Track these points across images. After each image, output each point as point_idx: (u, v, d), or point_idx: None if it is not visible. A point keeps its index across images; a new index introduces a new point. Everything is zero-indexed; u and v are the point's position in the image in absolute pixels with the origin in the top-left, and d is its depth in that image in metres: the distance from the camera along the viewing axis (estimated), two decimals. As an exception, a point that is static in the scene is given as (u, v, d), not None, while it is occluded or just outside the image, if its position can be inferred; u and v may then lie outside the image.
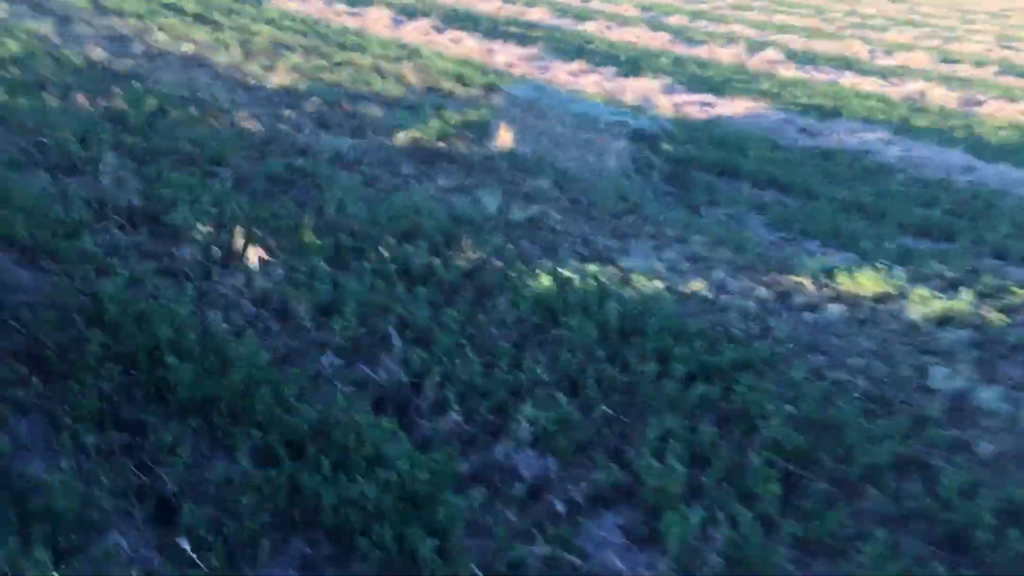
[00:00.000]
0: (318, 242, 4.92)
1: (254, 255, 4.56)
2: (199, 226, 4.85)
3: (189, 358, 3.46)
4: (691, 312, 4.79)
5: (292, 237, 4.99)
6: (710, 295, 5.05)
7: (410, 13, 15.81)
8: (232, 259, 4.65)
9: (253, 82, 9.43)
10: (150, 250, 4.74)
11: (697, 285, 5.10)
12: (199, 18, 12.89)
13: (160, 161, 6.07)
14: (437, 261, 4.88)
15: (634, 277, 5.07)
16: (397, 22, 14.63)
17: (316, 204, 5.68)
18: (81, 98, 7.29)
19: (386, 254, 4.88)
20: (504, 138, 7.82)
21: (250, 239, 4.74)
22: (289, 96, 8.98)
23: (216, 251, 4.63)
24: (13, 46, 8.94)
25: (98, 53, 9.40)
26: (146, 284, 4.18)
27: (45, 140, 6.13)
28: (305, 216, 5.26)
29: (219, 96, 8.40)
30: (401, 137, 7.78)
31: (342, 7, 15.59)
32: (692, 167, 8.18)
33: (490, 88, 10.72)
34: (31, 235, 4.54)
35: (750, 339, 4.49)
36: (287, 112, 8.13)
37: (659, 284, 5.05)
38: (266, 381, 3.40)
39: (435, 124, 8.16)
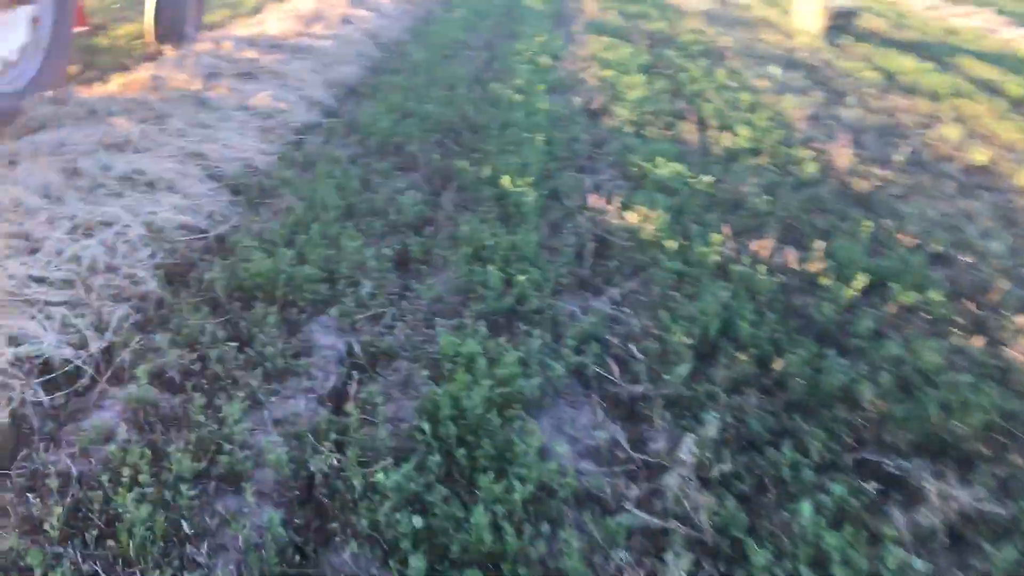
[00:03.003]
0: None
1: None
2: None
3: None
4: None
5: None
6: None
7: None
8: None
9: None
10: None
11: None
12: (1021, 105, 9.28)
13: (805, 429, 3.16)
14: None
15: None
16: None
17: None
18: (755, 256, 4.71)
19: None
20: None
21: None
22: None
23: None
24: (743, 135, 6.83)
25: (843, 156, 6.73)
26: None
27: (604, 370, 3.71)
28: None
29: (994, 255, 5.03)
30: None
31: None
32: None
33: None
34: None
35: None
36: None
37: None
38: None
39: None
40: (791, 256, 4.64)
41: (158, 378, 3.11)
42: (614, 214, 4.98)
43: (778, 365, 3.58)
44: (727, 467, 2.94)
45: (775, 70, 9.87)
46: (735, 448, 3.09)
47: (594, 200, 5.13)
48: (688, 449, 2.98)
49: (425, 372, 3.32)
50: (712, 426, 3.12)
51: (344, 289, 3.87)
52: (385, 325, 3.68)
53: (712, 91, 8.41)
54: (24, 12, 5.52)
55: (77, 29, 6.59)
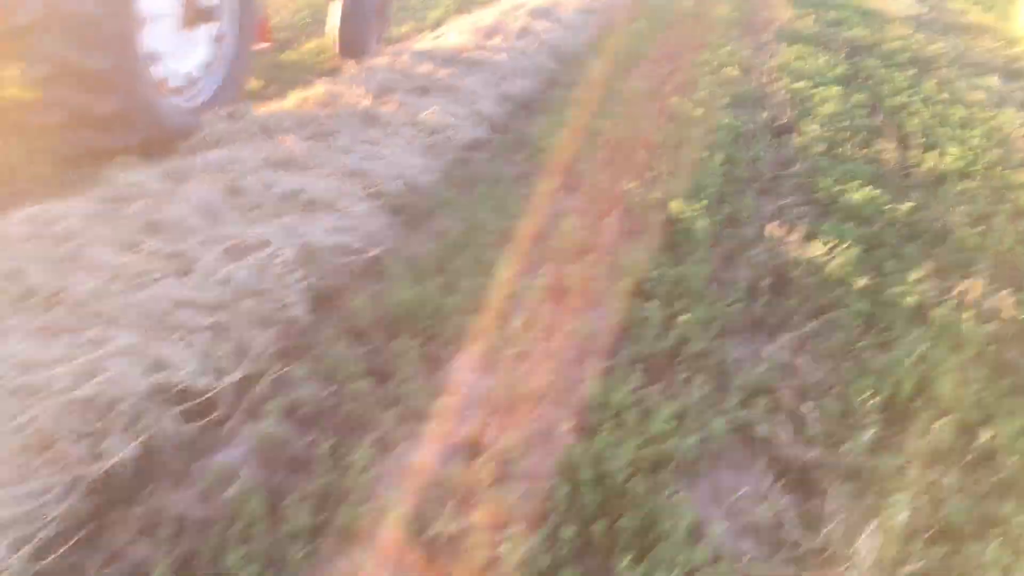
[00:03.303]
0: None
1: None
2: None
3: None
4: None
5: None
6: None
7: None
8: None
9: None
10: None
11: None
12: None
13: (1020, 521, 2.64)
14: None
15: None
16: None
17: None
18: (961, 300, 4.10)
19: None
20: None
21: None
22: None
23: None
24: (952, 156, 6.10)
25: (1074, 180, 5.88)
26: None
27: None
28: None
29: None
30: None
31: None
32: None
33: None
34: None
35: None
36: None
37: None
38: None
39: None
40: (1006, 301, 4.02)
41: (291, 414, 2.98)
42: (796, 245, 4.51)
43: (986, 435, 3.04)
44: (919, 563, 2.47)
45: (993, 81, 8.91)
46: (929, 538, 2.60)
47: (774, 228, 4.67)
48: (871, 536, 2.54)
49: (569, 422, 3.02)
50: (901, 508, 2.65)
51: (493, 322, 3.64)
52: (532, 364, 3.42)
53: (918, 105, 7.65)
54: (207, 29, 5.67)
55: (261, 45, 6.76)
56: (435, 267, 4.00)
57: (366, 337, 3.49)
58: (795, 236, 4.57)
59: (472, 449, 2.90)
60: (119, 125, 4.94)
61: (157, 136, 5.11)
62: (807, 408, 3.19)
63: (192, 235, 3.83)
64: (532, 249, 4.32)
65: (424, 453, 2.89)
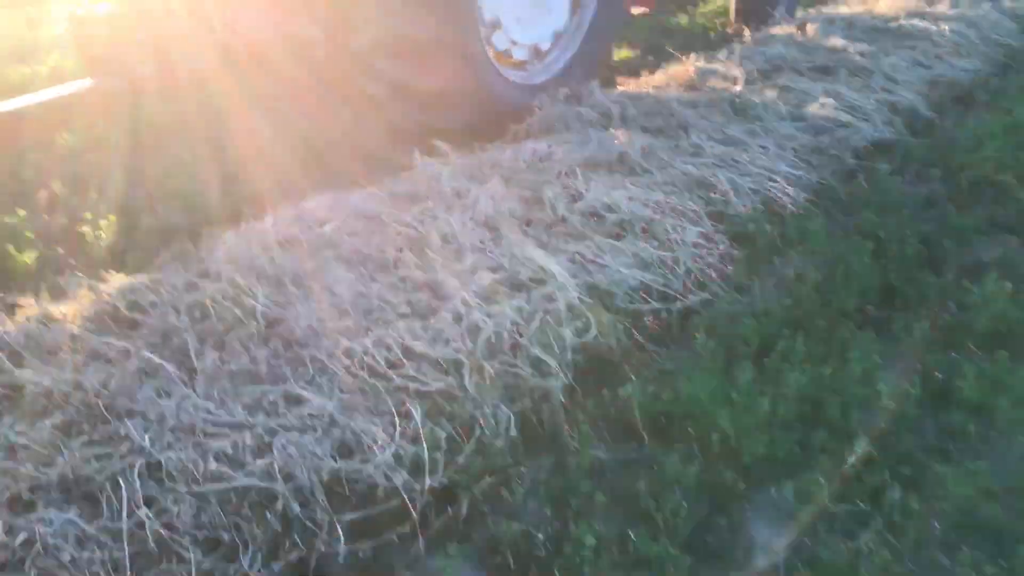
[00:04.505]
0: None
1: None
2: None
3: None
4: None
5: None
6: None
7: None
8: None
9: None
10: None
11: None
12: None
13: None
14: None
15: None
16: None
17: None
18: None
19: None
20: None
21: None
22: None
23: None
24: None
25: None
26: None
27: None
28: None
29: None
30: None
31: None
32: None
33: None
34: None
35: None
36: None
37: None
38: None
39: None
40: None
41: (484, 560, 2.14)
42: None
43: None
44: None
45: None
46: None
47: None
48: None
49: None
50: None
51: (819, 445, 2.47)
52: (869, 530, 2.21)
53: None
54: (566, -5, 4.90)
55: (638, 10, 5.89)
56: (760, 340, 2.87)
57: (627, 440, 2.52)
58: None
59: None
60: (446, 103, 4.39)
61: (487, 117, 4.50)
62: None
63: (459, 259, 3.11)
64: (918, 322, 2.99)
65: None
